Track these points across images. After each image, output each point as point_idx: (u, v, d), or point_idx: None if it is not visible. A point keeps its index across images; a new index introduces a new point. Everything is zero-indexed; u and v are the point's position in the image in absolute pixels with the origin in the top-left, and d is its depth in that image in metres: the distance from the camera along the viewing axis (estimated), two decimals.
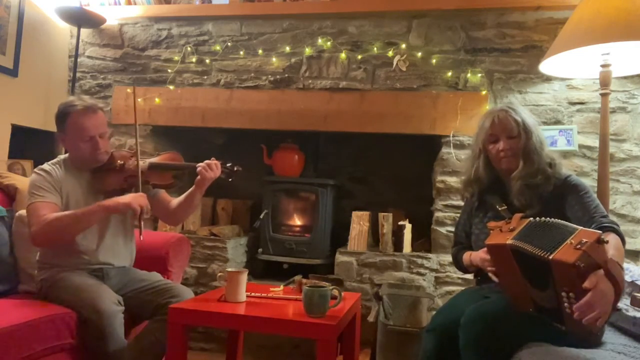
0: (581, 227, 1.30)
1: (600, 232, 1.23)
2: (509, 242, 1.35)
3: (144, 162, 1.96)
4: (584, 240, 1.20)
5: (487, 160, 1.71)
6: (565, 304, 1.23)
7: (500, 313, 1.39)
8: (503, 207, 1.63)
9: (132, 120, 2.87)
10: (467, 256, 1.70)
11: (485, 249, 1.52)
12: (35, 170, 1.87)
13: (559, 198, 1.56)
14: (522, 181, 1.58)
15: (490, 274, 1.54)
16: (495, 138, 1.66)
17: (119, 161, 1.94)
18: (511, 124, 1.62)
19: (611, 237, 1.36)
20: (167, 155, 2.09)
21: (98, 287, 1.75)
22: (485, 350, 1.34)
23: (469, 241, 1.78)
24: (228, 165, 1.97)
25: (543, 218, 1.40)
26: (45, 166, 1.89)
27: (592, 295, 1.15)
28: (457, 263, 1.81)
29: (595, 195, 1.55)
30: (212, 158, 1.95)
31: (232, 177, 1.97)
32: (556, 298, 1.26)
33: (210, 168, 1.90)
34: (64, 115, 1.85)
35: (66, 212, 1.77)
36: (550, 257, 1.22)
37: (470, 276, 2.27)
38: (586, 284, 1.15)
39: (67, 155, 1.97)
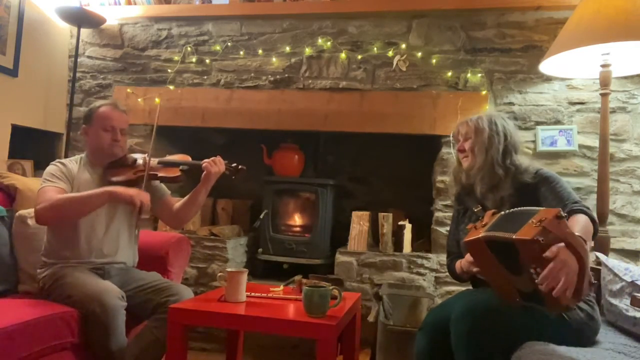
0: (542, 208, 1.35)
1: (559, 209, 1.28)
2: (482, 234, 1.40)
3: (153, 160, 2.06)
4: (544, 217, 1.26)
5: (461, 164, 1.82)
6: (537, 281, 1.27)
7: (489, 308, 1.40)
8: (478, 208, 1.69)
9: (133, 120, 2.90)
10: (458, 264, 1.72)
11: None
12: (52, 162, 2.00)
13: (531, 194, 1.60)
14: (480, 186, 1.66)
15: (478, 275, 1.57)
16: (458, 141, 1.79)
17: (131, 158, 2.08)
18: (465, 127, 1.75)
19: (579, 217, 1.42)
20: (177, 155, 2.17)
21: (102, 283, 1.78)
22: (475, 345, 1.35)
23: (460, 250, 1.80)
24: (233, 164, 2.06)
25: (512, 209, 1.46)
26: (63, 159, 2.03)
27: (554, 264, 1.20)
28: (453, 274, 1.83)
29: (567, 184, 1.59)
30: (218, 155, 2.03)
31: (235, 175, 2.06)
32: (531, 280, 1.29)
33: (215, 163, 1.99)
34: (93, 110, 2.04)
35: (71, 194, 1.87)
36: (514, 237, 1.28)
37: None
38: (546, 254, 1.20)
39: (84, 153, 2.09)
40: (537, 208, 1.36)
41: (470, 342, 1.36)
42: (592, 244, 1.62)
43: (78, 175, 1.98)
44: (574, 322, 1.38)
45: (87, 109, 2.08)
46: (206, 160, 2.00)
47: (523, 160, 1.69)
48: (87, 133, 2.05)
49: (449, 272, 1.86)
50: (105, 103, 2.07)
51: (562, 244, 1.22)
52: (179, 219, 2.11)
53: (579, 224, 1.38)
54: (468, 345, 1.36)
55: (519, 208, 1.44)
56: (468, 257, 1.59)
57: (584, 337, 1.41)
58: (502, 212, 1.47)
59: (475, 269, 1.56)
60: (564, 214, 1.27)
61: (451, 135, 1.88)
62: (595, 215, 1.47)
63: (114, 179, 1.99)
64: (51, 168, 1.96)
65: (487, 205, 1.66)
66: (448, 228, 2.52)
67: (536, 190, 1.60)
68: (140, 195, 1.85)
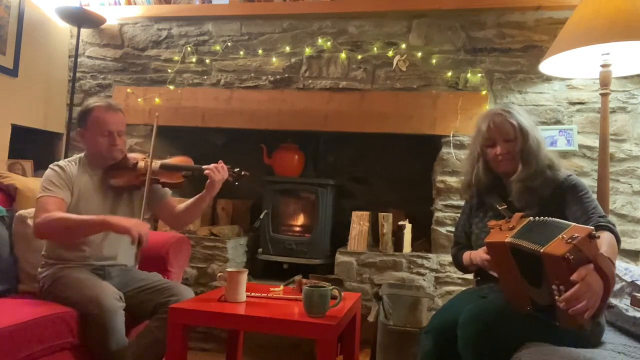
0: (575, 223, 1.31)
1: (592, 227, 1.25)
2: (508, 240, 1.36)
3: (155, 163, 2.00)
4: (576, 235, 1.22)
5: (486, 164, 1.71)
6: (557, 297, 1.25)
7: (498, 312, 1.39)
8: (503, 207, 1.63)
9: (133, 120, 2.91)
10: (467, 255, 1.71)
11: (484, 247, 1.53)
12: (51, 165, 1.94)
13: (558, 199, 1.56)
14: (521, 184, 1.58)
15: (490, 272, 1.55)
16: (492, 142, 1.65)
17: (132, 160, 2.01)
18: (507, 127, 1.61)
19: (605, 235, 1.38)
20: (179, 158, 2.13)
21: (100, 283, 1.78)
22: (483, 349, 1.35)
23: (469, 241, 1.79)
24: (236, 170, 2.02)
25: (542, 217, 1.41)
26: (61, 162, 1.96)
27: (580, 286, 1.16)
28: (457, 263, 1.82)
29: (594, 196, 1.55)
30: (220, 161, 1.99)
31: (239, 181, 2.03)
32: (550, 294, 1.27)
33: (218, 170, 1.95)
34: (87, 111, 1.95)
35: (71, 216, 1.80)
36: (542, 251, 1.24)
37: (470, 276, 2.27)
38: (574, 277, 1.17)
39: (82, 154, 2.03)
40: (568, 222, 1.32)
41: (478, 346, 1.35)
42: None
43: (78, 178, 1.93)
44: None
45: (81, 110, 1.98)
46: (209, 167, 1.94)
47: (557, 160, 1.62)
48: (83, 136, 1.97)
49: (454, 262, 1.85)
50: (98, 104, 1.95)
51: (591, 266, 1.18)
52: (181, 221, 2.10)
53: (607, 244, 1.34)
54: (475, 350, 1.35)
55: (550, 218, 1.38)
56: (484, 253, 1.55)
57: (589, 342, 1.40)
58: (531, 219, 1.42)
59: (489, 267, 1.54)
60: (596, 234, 1.22)
61: (477, 124, 1.73)
62: (618, 232, 1.43)
63: (116, 183, 1.95)
64: (50, 174, 1.89)
65: (514, 203, 1.60)
66: (448, 228, 2.53)
67: (562, 196, 1.55)
68: (138, 226, 1.74)
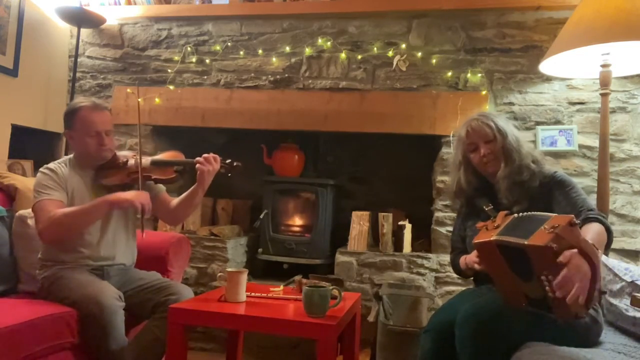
0: (555, 214, 1.33)
1: (572, 216, 1.26)
2: (494, 237, 1.38)
3: (146, 159, 1.99)
4: (557, 224, 1.24)
5: (470, 169, 1.76)
6: (547, 288, 1.26)
7: (494, 311, 1.40)
8: (489, 207, 1.66)
9: (133, 120, 2.92)
10: (463, 260, 1.72)
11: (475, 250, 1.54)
12: (41, 169, 1.91)
13: (546, 194, 1.59)
14: (508, 180, 1.62)
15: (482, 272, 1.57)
16: (474, 146, 1.71)
17: (122, 159, 2.00)
18: (485, 129, 1.68)
19: (593, 225, 1.40)
20: (169, 153, 2.12)
21: (99, 283, 1.77)
22: (480, 347, 1.35)
23: (465, 245, 1.79)
24: (227, 161, 2.00)
25: (525, 212, 1.43)
26: (51, 165, 1.94)
27: (567, 270, 1.18)
28: (455, 268, 1.83)
29: (581, 190, 1.58)
30: (211, 153, 1.97)
31: (231, 172, 2.00)
32: (541, 286, 1.28)
33: (209, 162, 1.93)
34: (73, 112, 1.92)
35: (71, 208, 1.81)
36: (526, 243, 1.26)
37: None
38: (560, 258, 1.19)
39: (72, 155, 2.01)
40: (549, 214, 1.34)
41: (475, 344, 1.35)
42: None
43: (69, 179, 1.91)
44: (579, 326, 1.37)
45: (66, 111, 1.94)
46: (199, 158, 1.93)
47: (541, 157, 1.68)
48: (72, 138, 1.94)
49: (452, 267, 1.86)
50: (84, 104, 1.91)
51: (575, 250, 1.20)
52: (177, 217, 2.09)
53: (593, 232, 1.36)
54: (473, 348, 1.36)
55: (532, 212, 1.41)
56: (474, 255, 1.57)
57: (588, 340, 1.41)
58: (515, 215, 1.45)
59: (480, 268, 1.55)
60: (577, 221, 1.25)
61: (456, 134, 1.82)
62: (609, 224, 1.45)
63: (108, 182, 1.93)
64: (41, 178, 1.86)
65: (503, 202, 1.63)
66: (448, 228, 2.53)
67: (550, 192, 1.58)
68: (139, 196, 1.80)
